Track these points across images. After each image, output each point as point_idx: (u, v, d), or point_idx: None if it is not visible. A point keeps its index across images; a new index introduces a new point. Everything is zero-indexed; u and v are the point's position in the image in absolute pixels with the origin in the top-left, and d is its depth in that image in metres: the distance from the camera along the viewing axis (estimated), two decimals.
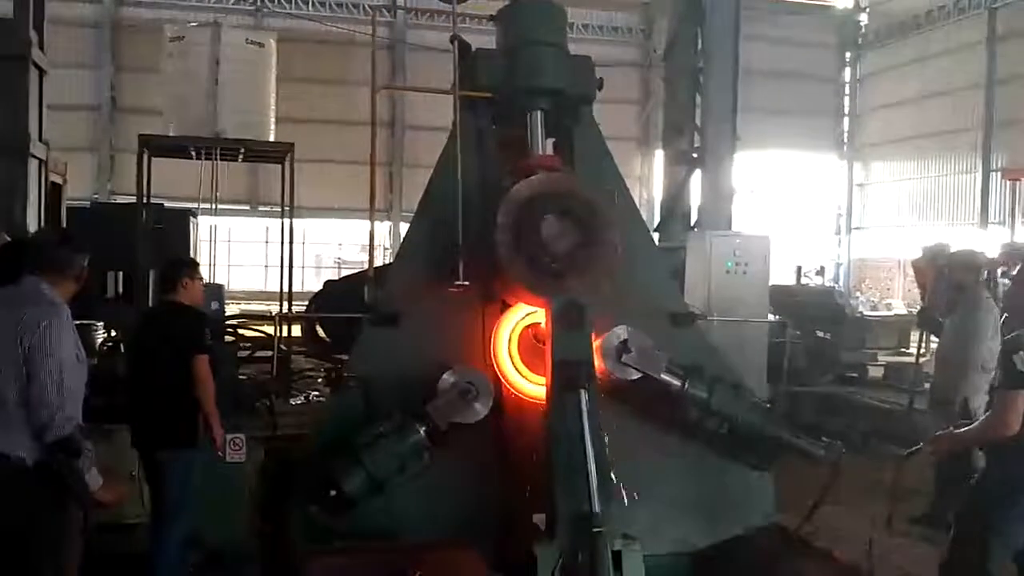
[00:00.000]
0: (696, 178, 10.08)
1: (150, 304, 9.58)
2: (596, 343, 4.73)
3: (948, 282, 6.15)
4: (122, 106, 27.95)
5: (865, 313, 19.29)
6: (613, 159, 5.62)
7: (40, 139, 8.42)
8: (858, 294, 28.88)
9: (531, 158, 5.06)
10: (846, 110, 33.35)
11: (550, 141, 5.35)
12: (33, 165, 8.13)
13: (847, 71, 33.25)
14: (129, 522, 4.75)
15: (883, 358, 13.77)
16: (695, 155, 9.93)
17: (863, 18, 32.64)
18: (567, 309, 4.55)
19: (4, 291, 3.63)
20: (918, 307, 18.40)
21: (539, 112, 5.15)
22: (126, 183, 25.81)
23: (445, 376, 4.71)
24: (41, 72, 8.38)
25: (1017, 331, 3.89)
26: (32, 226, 8.07)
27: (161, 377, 4.78)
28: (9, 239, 4.35)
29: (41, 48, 8.42)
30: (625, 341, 4.80)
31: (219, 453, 4.85)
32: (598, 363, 4.69)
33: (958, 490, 5.57)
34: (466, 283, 4.85)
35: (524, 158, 5.13)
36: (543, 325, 4.76)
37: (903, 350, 15.89)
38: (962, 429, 4.18)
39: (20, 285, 3.50)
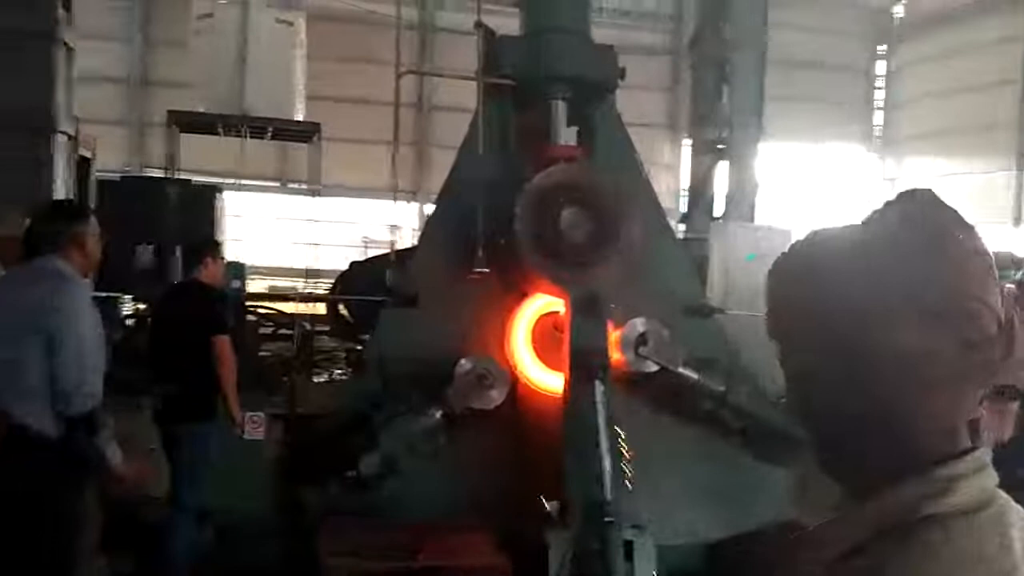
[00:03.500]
0: (722, 168, 10.03)
1: (179, 278, 9.71)
2: (614, 334, 4.75)
3: None
4: (152, 80, 28.10)
5: None
6: (635, 149, 5.61)
7: (69, 115, 8.53)
8: None
9: (551, 148, 5.07)
10: (878, 103, 32.95)
11: (572, 129, 5.34)
12: (61, 141, 8.23)
13: (880, 63, 32.83)
14: (148, 496, 4.82)
15: None
16: (721, 146, 9.87)
17: (898, 9, 32.18)
18: (585, 300, 4.57)
19: (20, 271, 3.70)
20: None
21: (561, 100, 5.13)
22: (156, 157, 25.98)
23: (463, 362, 4.76)
24: (69, 50, 8.46)
25: None
26: None
27: (182, 354, 4.86)
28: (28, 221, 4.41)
29: (70, 25, 8.52)
30: (643, 333, 4.81)
31: (238, 430, 4.94)
32: (616, 354, 4.71)
33: None
34: (485, 270, 4.89)
35: (545, 147, 5.15)
36: (562, 313, 4.80)
37: None
38: None
39: (33, 265, 3.56)
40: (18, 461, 3.24)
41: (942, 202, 1.12)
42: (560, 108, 5.10)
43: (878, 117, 32.97)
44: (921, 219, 1.09)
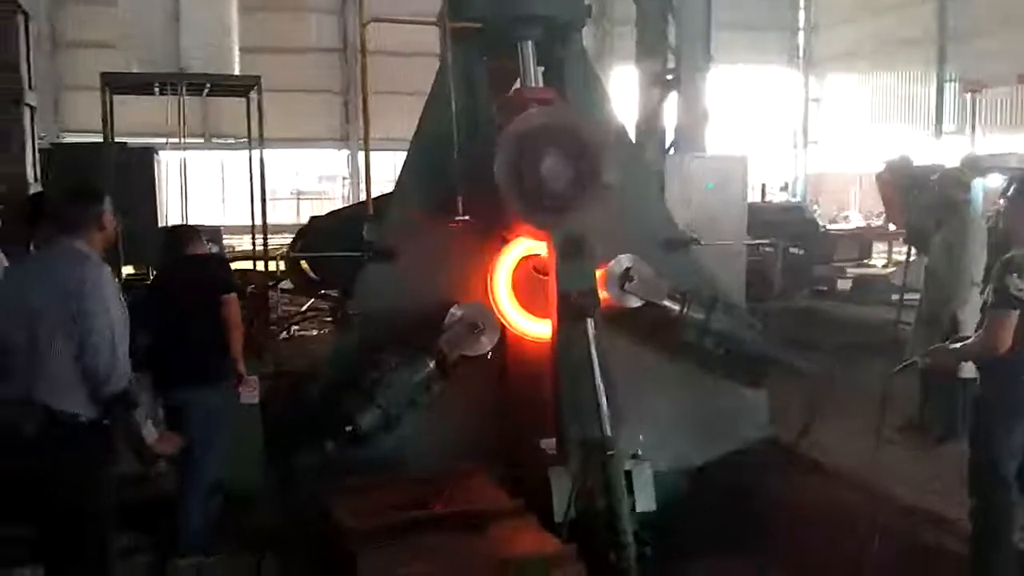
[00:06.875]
0: (671, 100, 10.05)
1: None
2: (599, 272, 4.80)
3: (937, 198, 6.28)
4: (65, 41, 26.93)
5: (825, 227, 19.58)
6: (603, 85, 5.62)
7: (31, 86, 8.14)
8: (815, 207, 29.20)
9: (525, 91, 5.03)
10: (800, 23, 33.25)
11: (540, 70, 5.29)
12: (27, 114, 7.89)
13: None
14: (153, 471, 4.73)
15: (850, 271, 14.06)
16: (669, 77, 9.88)
17: None
18: (569, 241, 4.59)
19: (43, 255, 3.62)
20: (881, 217, 18.78)
21: (530, 41, 5.09)
22: (72, 121, 25.14)
23: (453, 309, 4.77)
24: (26, 16, 8.05)
25: (1012, 252, 3.96)
26: (31, 177, 7.84)
27: (193, 324, 4.80)
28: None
29: None
30: (628, 269, 4.88)
31: (241, 393, 4.91)
32: (601, 292, 4.77)
33: (944, 398, 5.83)
34: (466, 217, 4.87)
35: (517, 91, 5.11)
36: (543, 257, 4.82)
37: (865, 262, 16.26)
38: (956, 345, 4.31)
39: (55, 248, 3.50)
40: (53, 448, 3.18)
41: None
42: (530, 49, 5.04)
43: (801, 37, 33.30)
44: None
